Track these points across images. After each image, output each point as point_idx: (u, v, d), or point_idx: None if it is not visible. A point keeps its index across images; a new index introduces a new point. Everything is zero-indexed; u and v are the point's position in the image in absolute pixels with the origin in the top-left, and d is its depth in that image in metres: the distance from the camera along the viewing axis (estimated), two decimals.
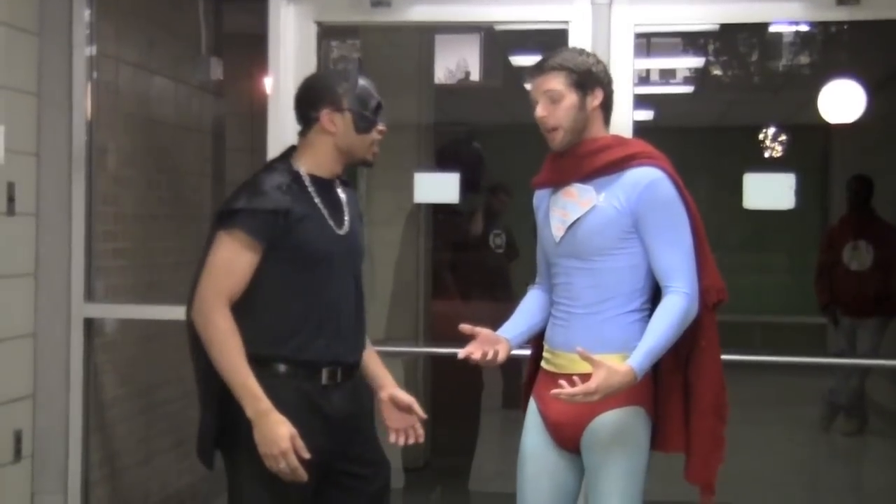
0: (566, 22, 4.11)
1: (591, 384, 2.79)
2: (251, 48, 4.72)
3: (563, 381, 2.85)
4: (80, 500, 4.38)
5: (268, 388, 2.96)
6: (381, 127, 3.14)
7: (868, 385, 7.53)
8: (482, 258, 6.01)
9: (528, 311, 3.25)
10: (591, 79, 3.05)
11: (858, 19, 4.12)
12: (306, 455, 2.94)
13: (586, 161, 3.04)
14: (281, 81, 4.19)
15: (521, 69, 8.57)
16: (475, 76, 8.06)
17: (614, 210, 2.99)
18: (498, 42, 7.90)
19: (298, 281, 3.03)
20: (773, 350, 4.83)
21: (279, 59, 4.22)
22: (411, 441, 3.22)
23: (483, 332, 3.10)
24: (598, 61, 3.12)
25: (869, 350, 7.06)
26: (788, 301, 9.96)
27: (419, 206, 5.77)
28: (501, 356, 3.09)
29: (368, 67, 6.55)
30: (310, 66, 4.22)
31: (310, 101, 3.12)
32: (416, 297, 6.05)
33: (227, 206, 3.04)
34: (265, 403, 2.95)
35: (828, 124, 7.05)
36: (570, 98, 3.03)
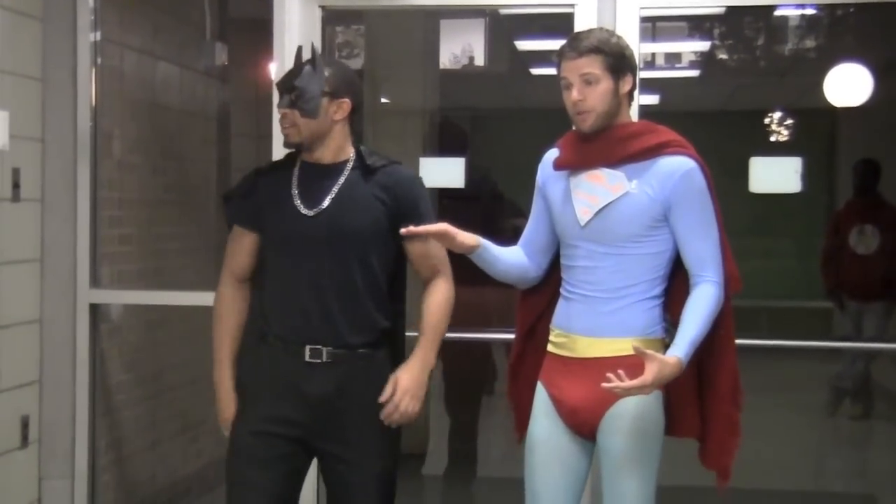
0: (572, 5, 4.09)
1: (648, 377, 2.79)
2: (256, 33, 4.71)
3: (611, 375, 2.81)
4: (87, 485, 4.39)
5: (257, 360, 3.19)
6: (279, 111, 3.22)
7: (874, 369, 7.52)
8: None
9: (505, 251, 3.20)
10: (625, 64, 3.03)
11: (864, 2, 4.11)
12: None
13: (618, 147, 3.01)
14: (286, 66, 4.16)
15: (527, 54, 8.56)
16: (480, 61, 8.04)
17: (647, 197, 2.97)
18: (503, 26, 7.87)
19: (272, 260, 3.19)
20: (779, 334, 4.81)
21: (284, 44, 4.21)
22: (387, 420, 3.15)
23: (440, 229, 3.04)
24: (629, 46, 3.10)
25: (875, 334, 7.04)
26: (794, 285, 9.94)
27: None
28: (462, 238, 3.05)
29: (373, 52, 6.57)
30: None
31: (344, 85, 3.23)
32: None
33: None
34: (226, 381, 3.23)
35: (834, 108, 7.02)
36: (606, 82, 3.00)
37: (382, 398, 3.14)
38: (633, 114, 3.94)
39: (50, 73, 4.29)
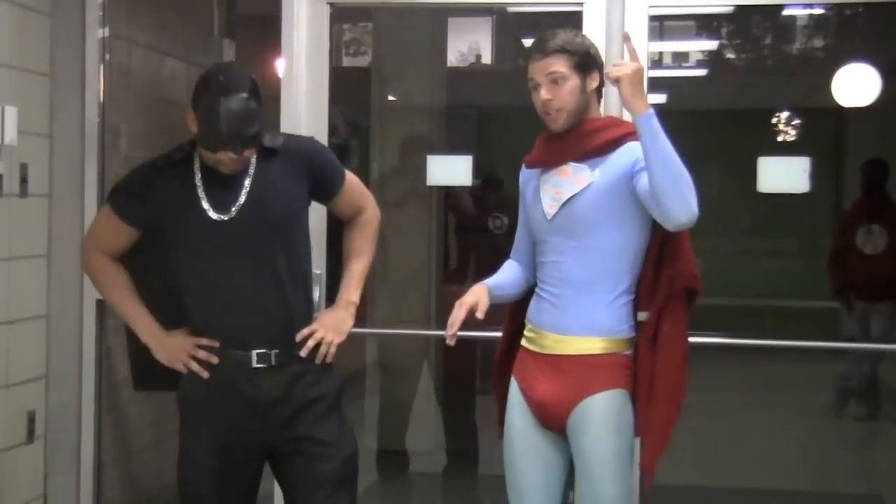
0: (580, 4, 4.08)
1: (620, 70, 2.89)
2: (263, 30, 4.70)
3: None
4: (93, 480, 4.39)
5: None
6: (229, 154, 2.99)
7: (881, 370, 7.52)
8: (485, 241, 6.04)
9: (506, 275, 3.27)
10: (591, 61, 3.09)
11: (873, 1, 4.10)
12: (201, 355, 3.11)
13: (584, 141, 3.06)
14: (293, 63, 4.18)
15: None
16: (487, 59, 8.05)
17: (608, 185, 3.00)
18: (510, 24, 7.88)
19: (188, 263, 3.12)
20: (786, 334, 4.80)
21: (292, 40, 4.20)
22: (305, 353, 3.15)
23: (463, 312, 3.11)
24: (594, 44, 3.15)
25: (882, 335, 7.03)
26: (801, 285, 9.93)
27: (431, 188, 5.77)
28: (482, 306, 3.11)
29: (380, 49, 6.56)
30: (322, 48, 4.22)
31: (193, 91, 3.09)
32: (428, 279, 6.05)
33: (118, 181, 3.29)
34: (152, 325, 3.21)
35: (842, 108, 7.00)
36: (573, 80, 3.05)
37: (299, 337, 3.13)
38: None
39: (58, 69, 4.29)
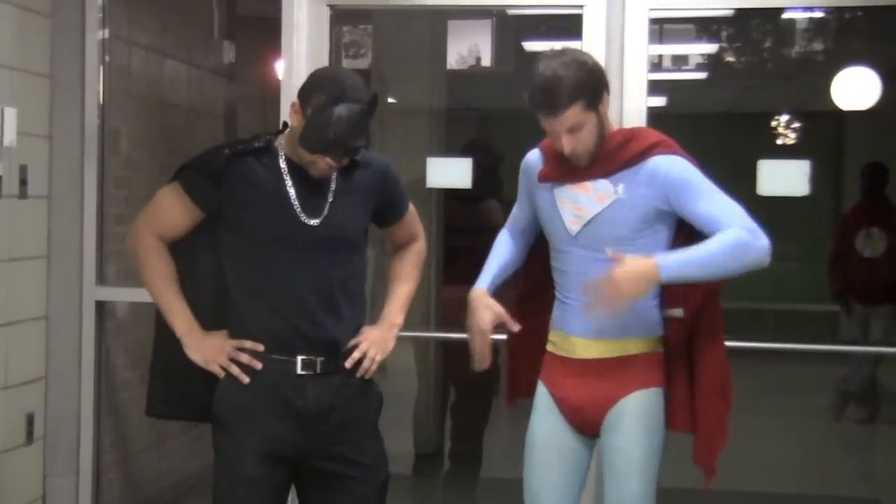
0: (580, 7, 4.08)
1: (612, 274, 2.80)
2: (264, 32, 4.71)
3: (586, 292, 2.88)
4: (92, 482, 4.39)
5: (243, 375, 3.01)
6: (328, 160, 2.95)
7: (880, 373, 7.51)
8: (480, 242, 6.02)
9: (499, 259, 3.25)
10: (600, 88, 2.96)
11: (872, 5, 4.10)
12: (244, 358, 2.98)
13: (605, 162, 3.00)
14: (293, 65, 4.19)
15: (534, 55, 8.55)
16: (487, 61, 8.05)
17: (634, 202, 2.97)
18: (510, 27, 7.88)
19: (255, 258, 2.99)
20: (786, 337, 4.81)
21: (292, 42, 4.21)
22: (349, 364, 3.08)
23: (488, 339, 3.12)
24: (594, 60, 2.99)
25: (881, 338, 7.03)
26: (801, 288, 9.93)
27: (431, 190, 5.77)
28: (503, 317, 3.12)
29: (380, 51, 6.56)
30: (322, 51, 4.22)
31: (302, 85, 3.02)
32: (427, 282, 6.04)
33: (187, 161, 3.10)
34: (191, 321, 3.04)
35: (842, 111, 7.02)
36: (591, 121, 2.94)
37: (357, 353, 3.06)
38: (642, 115, 3.97)
39: (58, 70, 4.29)
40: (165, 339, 3.11)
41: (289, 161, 3.03)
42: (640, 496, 2.99)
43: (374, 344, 3.10)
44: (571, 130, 2.92)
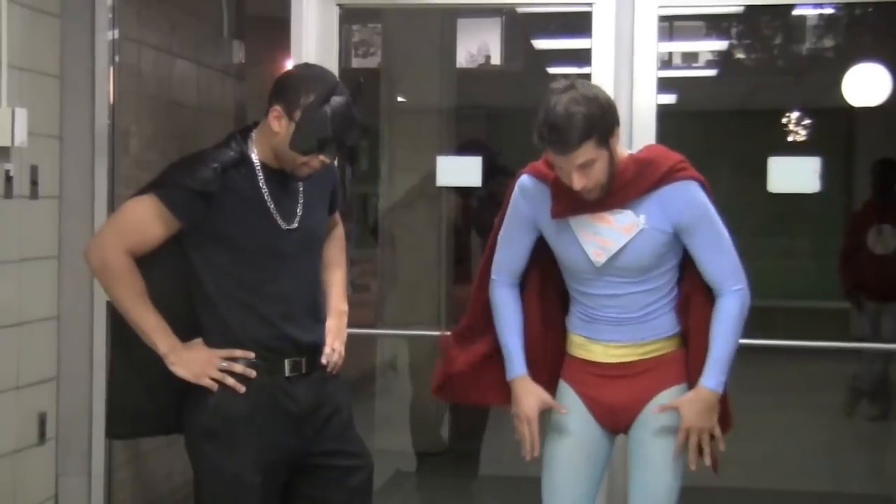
0: (590, 4, 4.08)
1: (684, 423, 2.99)
2: (273, 31, 4.71)
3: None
4: (104, 482, 4.40)
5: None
6: (321, 158, 2.96)
7: (892, 370, 7.49)
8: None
9: (515, 326, 3.20)
10: (611, 122, 2.93)
11: (883, 0, 4.09)
12: (238, 368, 2.96)
13: (620, 194, 2.99)
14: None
15: (544, 53, 8.54)
16: (496, 60, 8.04)
17: (657, 230, 2.99)
18: (520, 25, 7.87)
19: (242, 271, 2.98)
20: (797, 335, 4.78)
21: (301, 42, 4.21)
22: (332, 367, 3.14)
23: (534, 429, 3.16)
24: (604, 94, 2.95)
25: (893, 335, 7.01)
26: (812, 285, 9.90)
27: (440, 189, 5.77)
28: (549, 403, 3.16)
29: (390, 50, 6.56)
30: (332, 50, 4.22)
31: (277, 89, 3.00)
32: (437, 280, 6.04)
33: (163, 174, 3.01)
34: (172, 337, 2.97)
35: (852, 108, 6.99)
36: (602, 157, 2.91)
37: (328, 349, 3.11)
38: (651, 113, 3.97)
39: (68, 71, 4.30)
40: (122, 356, 3.10)
41: (263, 166, 3.01)
42: (673, 489, 3.05)
43: (337, 337, 3.17)
44: (583, 167, 2.89)
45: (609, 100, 2.95)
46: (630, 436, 3.12)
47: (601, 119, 2.88)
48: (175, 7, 5.03)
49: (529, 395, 3.12)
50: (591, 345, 3.12)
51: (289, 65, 4.29)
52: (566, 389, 3.16)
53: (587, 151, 2.87)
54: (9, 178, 3.92)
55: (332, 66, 4.17)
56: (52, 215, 4.27)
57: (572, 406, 3.13)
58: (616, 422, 3.13)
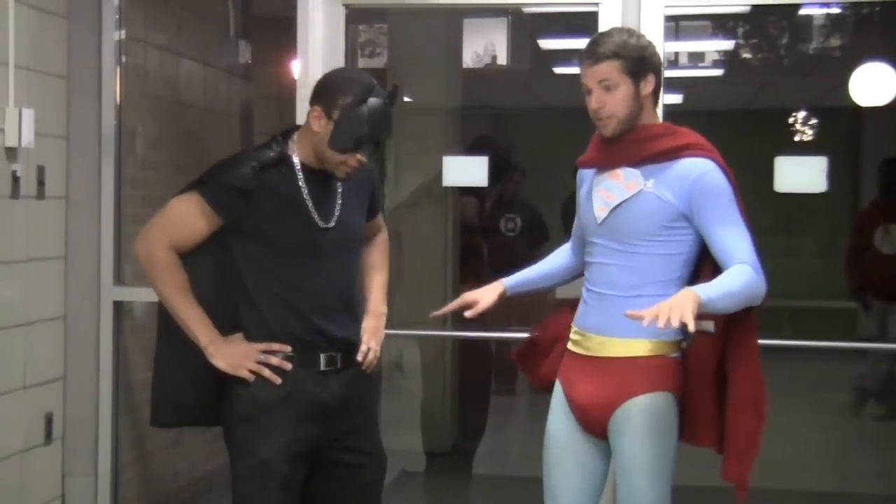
0: (596, 4, 4.08)
1: (662, 304, 2.66)
2: (279, 31, 4.72)
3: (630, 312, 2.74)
4: (110, 481, 4.41)
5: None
6: (358, 157, 3.04)
7: None
8: (496, 242, 6.03)
9: (539, 266, 3.32)
10: (645, 65, 2.97)
11: (890, 0, 4.08)
12: (274, 361, 3.04)
13: (637, 148, 2.99)
14: (309, 65, 4.19)
15: (550, 53, 8.55)
16: (502, 60, 8.03)
17: (662, 199, 2.95)
18: (526, 25, 7.86)
19: (279, 267, 3.06)
20: (803, 334, 4.79)
21: (307, 42, 4.21)
22: (366, 365, 3.21)
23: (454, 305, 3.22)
24: (650, 44, 3.02)
25: None
26: (819, 285, 9.90)
27: (447, 189, 5.77)
28: (485, 299, 3.20)
29: (396, 50, 6.57)
30: (338, 50, 4.23)
31: (316, 91, 3.09)
32: (444, 280, 6.04)
33: (206, 173, 3.11)
34: (213, 330, 3.07)
35: (859, 107, 6.98)
36: (625, 86, 2.94)
37: (364, 347, 3.17)
38: (658, 112, 3.96)
39: (74, 71, 4.30)
40: (167, 349, 3.18)
41: (303, 166, 3.10)
42: (652, 500, 2.96)
43: (373, 336, 3.23)
44: (604, 86, 2.94)
45: (655, 52, 3.02)
46: (610, 444, 3.04)
47: (638, 54, 2.95)
48: (181, 7, 5.03)
49: (487, 292, 3.21)
50: (579, 336, 3.09)
51: (295, 65, 4.30)
52: (557, 389, 3.15)
53: (611, 69, 2.92)
54: (16, 179, 3.93)
55: (338, 65, 4.18)
56: (59, 215, 4.28)
57: (560, 409, 3.11)
58: (590, 423, 3.05)
